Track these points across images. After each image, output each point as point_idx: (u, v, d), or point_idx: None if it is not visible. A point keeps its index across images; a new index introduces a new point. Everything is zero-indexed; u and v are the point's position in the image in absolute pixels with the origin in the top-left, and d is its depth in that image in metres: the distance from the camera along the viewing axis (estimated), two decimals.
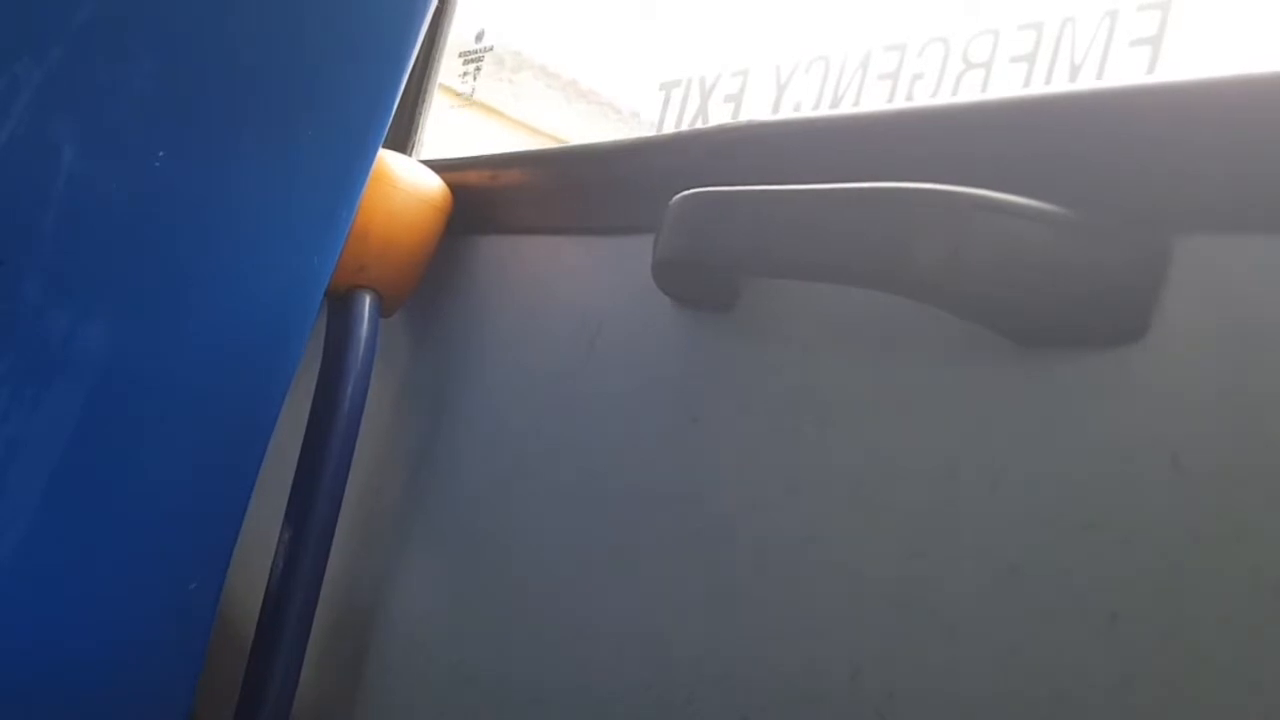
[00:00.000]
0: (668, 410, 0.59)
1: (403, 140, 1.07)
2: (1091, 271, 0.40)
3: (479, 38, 1.17)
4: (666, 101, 0.89)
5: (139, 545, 0.60)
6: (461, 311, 0.84)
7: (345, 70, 0.61)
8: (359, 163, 0.64)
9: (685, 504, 0.56)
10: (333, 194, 0.63)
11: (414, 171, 0.82)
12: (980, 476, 0.43)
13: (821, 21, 0.78)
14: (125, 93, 0.53)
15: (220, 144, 0.57)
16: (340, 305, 0.79)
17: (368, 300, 0.79)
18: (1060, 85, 0.59)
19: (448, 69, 1.10)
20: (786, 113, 0.78)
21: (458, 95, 1.11)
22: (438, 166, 0.86)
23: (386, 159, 0.79)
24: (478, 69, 1.15)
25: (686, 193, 0.54)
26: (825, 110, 0.73)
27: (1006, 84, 0.62)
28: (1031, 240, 0.40)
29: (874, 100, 0.70)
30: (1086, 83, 0.58)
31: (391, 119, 0.65)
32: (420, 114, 1.08)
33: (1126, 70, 0.56)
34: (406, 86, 0.65)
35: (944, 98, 0.66)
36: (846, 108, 0.72)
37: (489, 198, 0.84)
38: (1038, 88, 0.60)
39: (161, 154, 0.54)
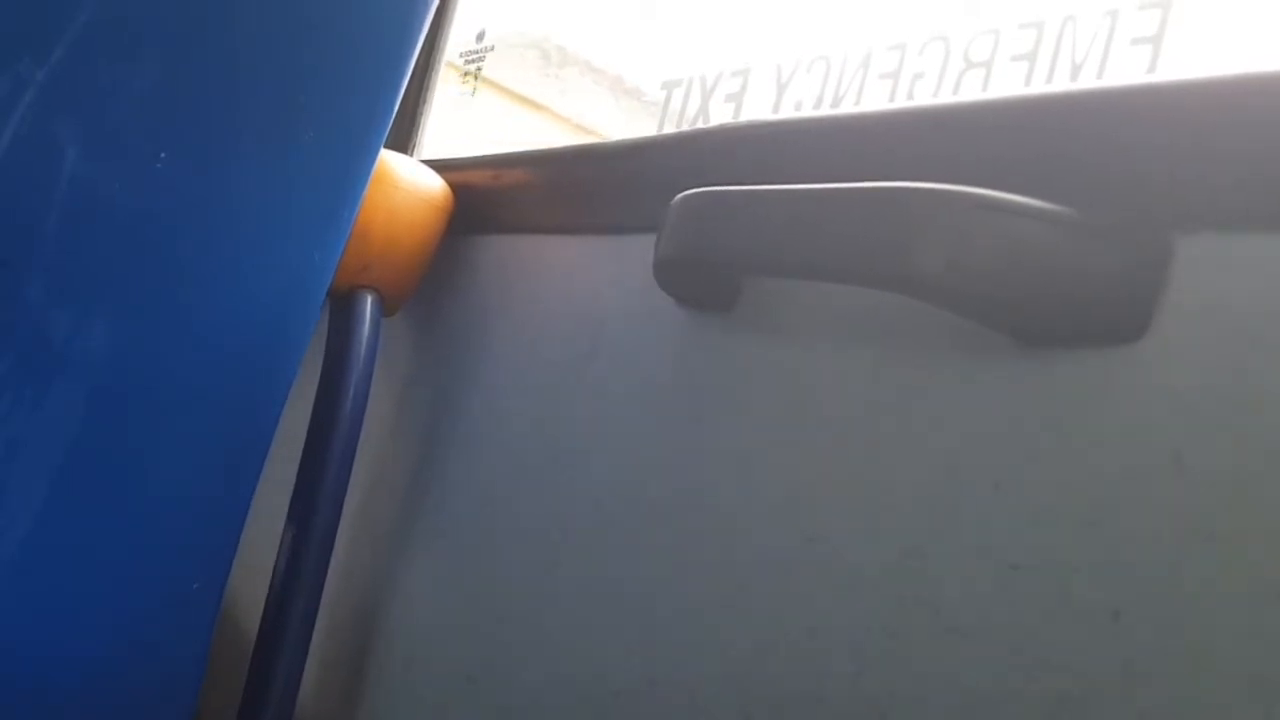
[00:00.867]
0: (669, 409, 0.59)
1: (403, 140, 1.07)
2: (1093, 270, 0.40)
3: (479, 38, 1.18)
4: (667, 101, 0.89)
5: (141, 545, 0.60)
6: (463, 311, 0.84)
7: (346, 70, 0.61)
8: (360, 163, 0.64)
9: (686, 503, 0.56)
10: (334, 194, 0.63)
11: (415, 171, 0.82)
12: (981, 475, 0.43)
13: (822, 21, 0.78)
14: (127, 93, 0.53)
15: (221, 145, 0.57)
16: (342, 305, 0.79)
17: (369, 300, 0.80)
18: (1061, 84, 0.59)
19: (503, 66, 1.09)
20: (787, 112, 0.78)
21: (507, 91, 1.11)
22: (439, 166, 0.86)
23: (388, 159, 0.79)
24: (478, 69, 1.15)
25: (688, 192, 0.54)
26: (826, 110, 0.73)
27: (1007, 83, 0.62)
28: (1032, 240, 0.40)
29: (875, 100, 0.70)
30: (1087, 82, 0.58)
31: (392, 119, 0.65)
32: (421, 114, 1.09)
33: (1127, 69, 0.56)
34: (407, 87, 0.65)
35: (945, 97, 0.66)
36: (847, 107, 0.72)
37: (490, 197, 0.84)
38: (1038, 87, 0.59)
39: (163, 155, 0.54)
